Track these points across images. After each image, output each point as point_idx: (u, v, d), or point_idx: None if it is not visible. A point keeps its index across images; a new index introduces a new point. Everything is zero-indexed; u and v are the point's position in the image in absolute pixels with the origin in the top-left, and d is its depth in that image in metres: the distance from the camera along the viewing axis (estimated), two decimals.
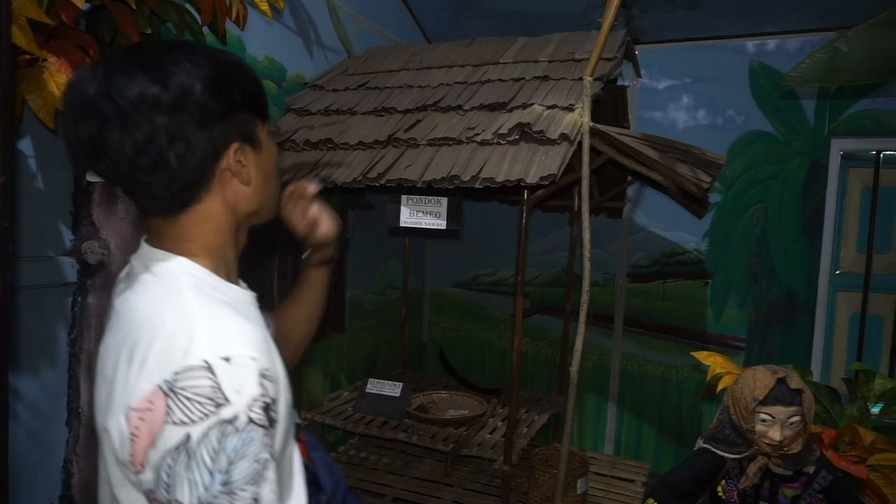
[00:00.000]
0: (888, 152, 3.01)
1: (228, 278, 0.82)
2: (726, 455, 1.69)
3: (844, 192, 3.10)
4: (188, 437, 0.64)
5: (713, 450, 1.72)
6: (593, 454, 3.14)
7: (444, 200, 1.97)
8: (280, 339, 1.10)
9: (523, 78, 2.27)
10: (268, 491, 0.67)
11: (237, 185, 0.80)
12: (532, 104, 2.07)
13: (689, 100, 3.33)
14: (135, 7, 1.50)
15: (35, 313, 1.61)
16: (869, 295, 3.07)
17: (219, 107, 0.74)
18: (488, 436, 2.44)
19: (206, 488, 0.64)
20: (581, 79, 2.05)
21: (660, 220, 3.39)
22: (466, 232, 3.86)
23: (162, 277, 0.75)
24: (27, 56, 1.33)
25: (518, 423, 2.56)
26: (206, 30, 1.84)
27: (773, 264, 3.19)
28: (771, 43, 3.15)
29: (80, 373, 1.73)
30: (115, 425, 0.68)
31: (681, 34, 3.29)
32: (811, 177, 3.10)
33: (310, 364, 2.80)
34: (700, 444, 1.77)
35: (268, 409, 0.68)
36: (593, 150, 2.03)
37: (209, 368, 0.66)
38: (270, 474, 0.68)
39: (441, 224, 1.97)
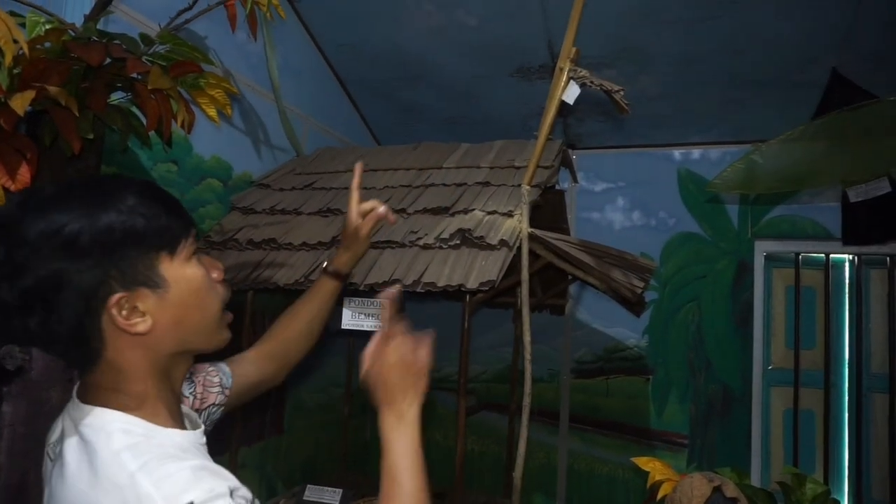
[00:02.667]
0: (806, 254, 3.23)
1: (171, 421, 0.76)
2: None
3: (770, 291, 3.28)
4: None
5: None
6: None
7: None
8: (275, 356, 1.15)
9: (465, 183, 2.37)
10: None
11: (132, 339, 0.71)
12: (473, 209, 2.15)
13: (624, 202, 3.52)
14: (77, 113, 1.51)
15: None
16: (800, 390, 3.18)
17: (79, 262, 0.66)
18: None
19: None
20: (520, 185, 2.15)
21: (601, 316, 3.48)
22: (410, 328, 3.84)
23: (92, 442, 0.68)
24: None
25: None
26: (152, 132, 1.86)
27: (709, 360, 3.29)
28: (695, 152, 3.41)
29: None
30: None
31: (614, 142, 3.53)
32: (739, 276, 3.28)
33: (244, 469, 2.64)
34: None
35: None
36: (533, 254, 2.10)
37: None
38: None
39: (383, 327, 1.96)
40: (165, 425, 0.74)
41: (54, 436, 0.76)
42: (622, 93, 1.72)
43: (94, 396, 0.73)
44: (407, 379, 0.90)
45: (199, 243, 0.86)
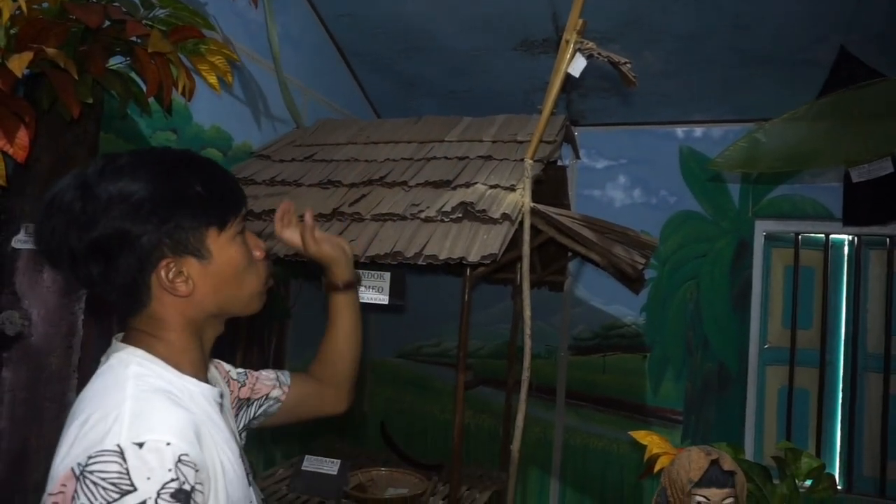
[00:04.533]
0: (805, 234, 3.23)
1: (192, 372, 0.83)
2: None
3: (769, 271, 3.28)
4: None
5: None
6: None
7: (387, 275, 1.97)
8: (324, 378, 1.18)
9: (467, 157, 2.35)
10: None
11: (174, 297, 0.81)
12: (475, 183, 2.14)
13: (625, 179, 3.50)
14: (76, 76, 1.48)
15: None
16: (795, 369, 3.20)
17: (140, 226, 0.75)
18: None
19: None
20: (523, 160, 2.14)
21: (599, 293, 3.48)
22: (411, 301, 3.85)
23: (113, 366, 0.78)
24: None
25: (459, 503, 2.49)
26: (152, 99, 1.84)
27: (707, 338, 3.31)
28: (698, 130, 3.38)
29: None
30: None
31: (617, 118, 3.49)
32: (738, 255, 3.28)
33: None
34: None
35: (181, 495, 0.66)
36: (534, 229, 2.10)
37: (120, 453, 0.65)
38: None
39: (383, 299, 1.97)
40: (185, 373, 0.82)
41: None
42: (629, 65, 1.70)
43: (132, 338, 0.82)
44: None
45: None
